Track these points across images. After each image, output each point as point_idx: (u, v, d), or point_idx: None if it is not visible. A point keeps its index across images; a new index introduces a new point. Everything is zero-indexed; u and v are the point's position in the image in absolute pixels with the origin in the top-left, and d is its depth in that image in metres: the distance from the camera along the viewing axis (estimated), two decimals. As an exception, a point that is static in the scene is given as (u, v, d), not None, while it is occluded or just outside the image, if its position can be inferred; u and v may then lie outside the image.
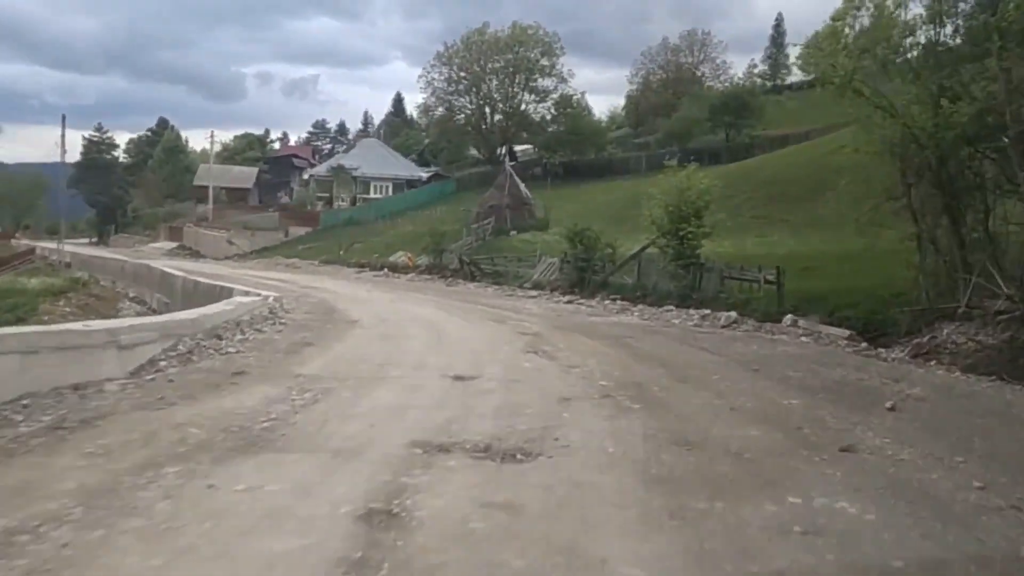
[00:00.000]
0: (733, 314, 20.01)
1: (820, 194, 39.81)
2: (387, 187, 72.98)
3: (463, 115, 71.94)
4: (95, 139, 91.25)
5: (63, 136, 47.00)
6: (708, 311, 21.11)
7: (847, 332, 17.21)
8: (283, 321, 15.42)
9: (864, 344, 16.47)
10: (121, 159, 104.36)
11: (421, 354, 11.59)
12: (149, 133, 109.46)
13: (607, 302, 25.59)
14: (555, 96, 70.13)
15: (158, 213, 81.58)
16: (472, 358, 11.47)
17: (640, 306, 24.03)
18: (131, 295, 35.76)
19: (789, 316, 19.18)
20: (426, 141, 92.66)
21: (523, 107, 70.17)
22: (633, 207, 46.78)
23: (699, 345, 15.34)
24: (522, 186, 46.85)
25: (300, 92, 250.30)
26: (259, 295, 19.45)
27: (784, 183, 43.52)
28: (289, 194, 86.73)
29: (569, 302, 26.71)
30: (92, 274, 43.33)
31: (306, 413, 7.05)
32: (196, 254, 62.61)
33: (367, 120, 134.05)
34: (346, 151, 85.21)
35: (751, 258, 27.28)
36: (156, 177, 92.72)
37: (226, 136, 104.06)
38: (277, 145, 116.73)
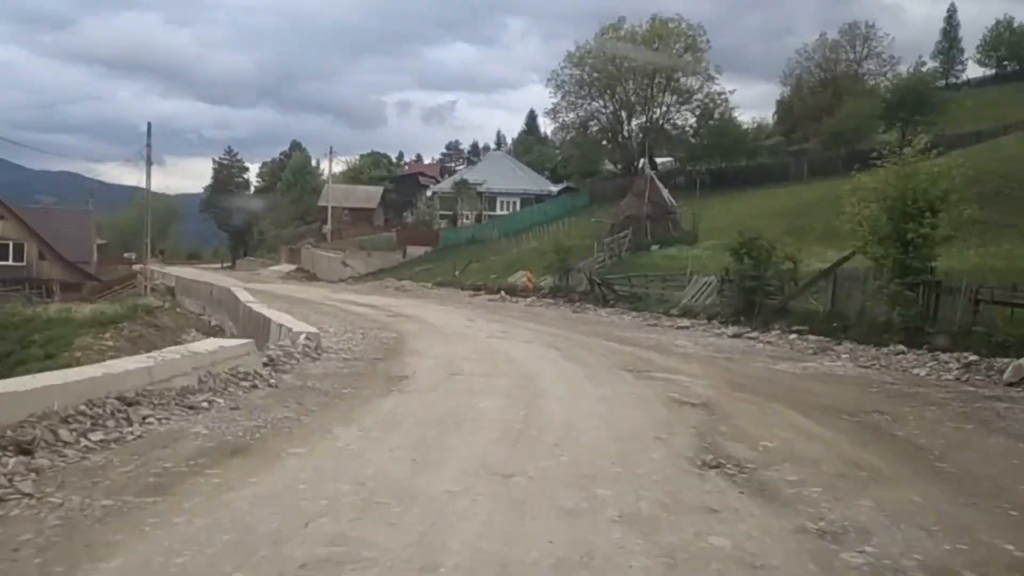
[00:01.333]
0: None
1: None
2: (515, 203, 67.15)
3: (596, 121, 65.11)
4: (224, 162, 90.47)
5: (148, 155, 43.60)
6: (971, 356, 13.48)
7: None
8: (274, 381, 9.24)
9: None
10: (254, 183, 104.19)
11: (465, 482, 4.99)
12: (282, 157, 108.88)
13: (793, 336, 18.25)
14: (700, 96, 62.30)
15: (281, 235, 79.15)
16: (577, 502, 4.77)
17: (845, 344, 16.58)
18: (213, 322, 31.26)
19: None
20: (559, 157, 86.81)
21: (664, 109, 62.61)
22: (801, 215, 38.74)
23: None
24: (665, 192, 39.54)
25: (438, 118, 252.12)
26: (294, 329, 13.60)
27: (1002, 180, 34.65)
28: (421, 217, 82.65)
29: (736, 336, 19.54)
30: (184, 298, 39.61)
31: None
32: (312, 277, 58.81)
33: (500, 139, 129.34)
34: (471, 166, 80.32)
35: (987, 274, 19.26)
36: (284, 199, 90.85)
37: (353, 156, 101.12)
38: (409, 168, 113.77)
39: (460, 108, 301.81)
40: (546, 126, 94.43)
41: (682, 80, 62.44)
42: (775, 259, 21.84)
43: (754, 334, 19.54)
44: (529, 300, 31.11)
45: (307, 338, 12.81)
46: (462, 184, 66.46)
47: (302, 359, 11.50)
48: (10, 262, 46.26)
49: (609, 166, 74.22)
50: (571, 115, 65.15)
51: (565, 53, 63.44)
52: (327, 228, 69.30)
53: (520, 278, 35.33)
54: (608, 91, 62.54)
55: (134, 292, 45.27)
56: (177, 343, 24.92)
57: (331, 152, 75.86)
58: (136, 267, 72.51)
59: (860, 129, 59.59)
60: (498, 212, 66.13)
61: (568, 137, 70.47)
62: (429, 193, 73.85)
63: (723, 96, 62.38)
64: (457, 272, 43.27)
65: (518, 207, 66.12)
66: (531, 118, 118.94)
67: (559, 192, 67.58)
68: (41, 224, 47.90)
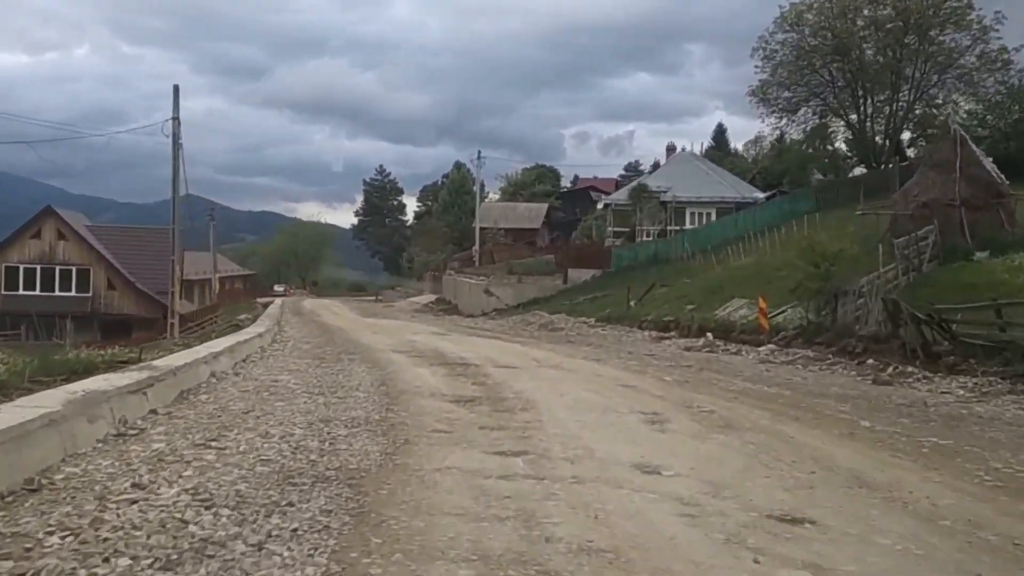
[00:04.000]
0: None
1: None
2: (708, 214, 52.38)
3: (820, 100, 49.27)
4: (376, 182, 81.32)
5: (175, 129, 33.15)
6: None
7: None
8: None
9: None
10: (414, 208, 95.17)
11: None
12: (443, 179, 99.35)
13: None
14: (970, 59, 45.18)
15: (429, 262, 68.54)
16: None
17: None
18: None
19: None
20: (755, 170, 71.05)
21: (919, 77, 45.96)
22: None
23: None
24: (988, 162, 23.68)
25: (616, 148, 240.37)
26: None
27: None
28: (588, 233, 69.57)
29: None
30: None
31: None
32: (453, 308, 47.03)
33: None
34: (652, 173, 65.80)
35: None
36: (438, 223, 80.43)
37: (514, 170, 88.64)
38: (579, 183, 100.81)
39: (639, 137, 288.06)
40: (737, 143, 78.37)
41: (943, 37, 45.56)
42: None
43: None
44: (763, 350, 16.79)
45: None
46: (640, 191, 52.54)
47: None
48: (72, 292, 37.02)
49: (818, 175, 57.78)
50: (785, 94, 49.49)
51: (776, 10, 48.05)
52: (475, 250, 57.42)
53: (739, 310, 21.03)
54: (838, 58, 46.65)
55: (213, 327, 34.76)
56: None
57: (479, 156, 63.37)
58: (263, 298, 63.78)
59: None
60: (689, 226, 51.70)
61: (781, 121, 53.92)
62: (600, 206, 60.40)
63: (1005, 56, 44.74)
64: (633, 303, 29.43)
65: (712, 219, 51.35)
66: (719, 132, 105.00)
67: (768, 197, 52.19)
68: (113, 247, 38.57)
